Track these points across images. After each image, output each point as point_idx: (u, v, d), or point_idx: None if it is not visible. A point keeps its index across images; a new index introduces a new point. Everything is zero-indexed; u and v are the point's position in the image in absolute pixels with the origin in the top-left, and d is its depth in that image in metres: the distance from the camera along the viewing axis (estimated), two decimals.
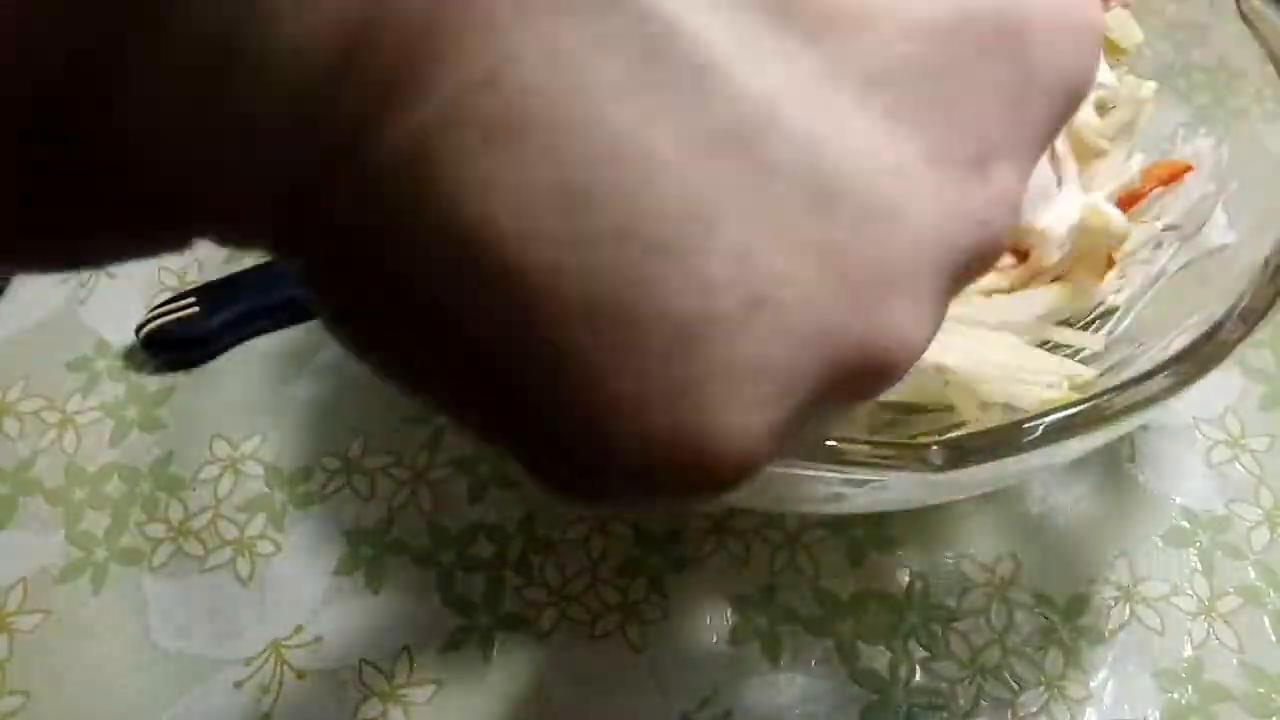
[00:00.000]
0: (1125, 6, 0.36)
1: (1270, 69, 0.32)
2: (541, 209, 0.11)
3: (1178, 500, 0.40)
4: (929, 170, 0.13)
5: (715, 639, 0.37)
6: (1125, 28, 0.35)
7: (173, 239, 0.13)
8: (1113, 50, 0.35)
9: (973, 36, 0.13)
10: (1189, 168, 0.34)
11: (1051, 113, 0.14)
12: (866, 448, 0.24)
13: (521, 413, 0.12)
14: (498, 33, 0.11)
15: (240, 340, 0.44)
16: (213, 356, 0.43)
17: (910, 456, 0.24)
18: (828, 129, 0.12)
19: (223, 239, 0.13)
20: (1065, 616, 0.37)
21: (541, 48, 0.11)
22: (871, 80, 0.12)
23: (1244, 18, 0.32)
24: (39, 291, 0.46)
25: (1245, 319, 0.26)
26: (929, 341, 0.14)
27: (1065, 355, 0.34)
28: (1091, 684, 0.36)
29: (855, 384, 0.13)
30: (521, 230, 0.11)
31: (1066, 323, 0.34)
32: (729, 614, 0.37)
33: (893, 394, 0.32)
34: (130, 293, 0.45)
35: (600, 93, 0.11)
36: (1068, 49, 0.14)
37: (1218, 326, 0.26)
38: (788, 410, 0.13)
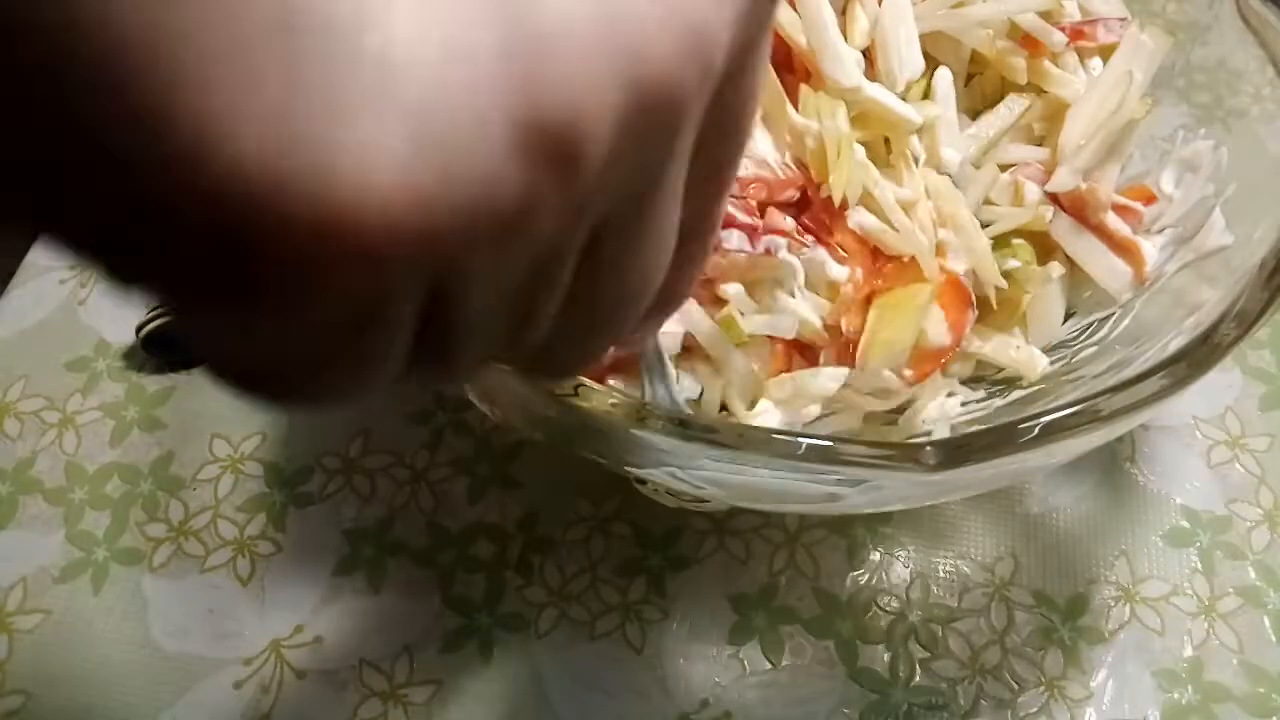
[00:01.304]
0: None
1: (1270, 70, 0.32)
2: None
3: (1178, 500, 0.40)
4: None
5: (715, 639, 0.37)
6: None
7: None
8: None
9: None
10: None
11: None
12: (862, 448, 0.24)
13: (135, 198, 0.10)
14: None
15: None
16: None
17: (905, 457, 0.24)
18: None
19: None
20: (1065, 616, 0.37)
21: None
22: None
23: (1244, 19, 0.32)
24: (39, 291, 0.46)
25: (1241, 321, 0.26)
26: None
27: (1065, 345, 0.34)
28: (1091, 684, 0.36)
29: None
30: None
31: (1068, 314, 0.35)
32: (729, 614, 0.37)
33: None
34: None
35: None
36: None
37: (1213, 328, 0.26)
38: (436, 164, 0.10)
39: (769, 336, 0.31)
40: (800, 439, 0.24)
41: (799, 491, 0.28)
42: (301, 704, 0.36)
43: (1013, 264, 0.33)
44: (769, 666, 0.36)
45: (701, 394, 0.31)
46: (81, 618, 0.38)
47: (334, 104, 0.09)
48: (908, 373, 0.31)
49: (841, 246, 0.31)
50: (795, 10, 0.32)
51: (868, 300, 0.31)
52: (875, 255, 0.32)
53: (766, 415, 0.31)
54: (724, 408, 0.32)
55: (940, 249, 0.32)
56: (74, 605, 0.38)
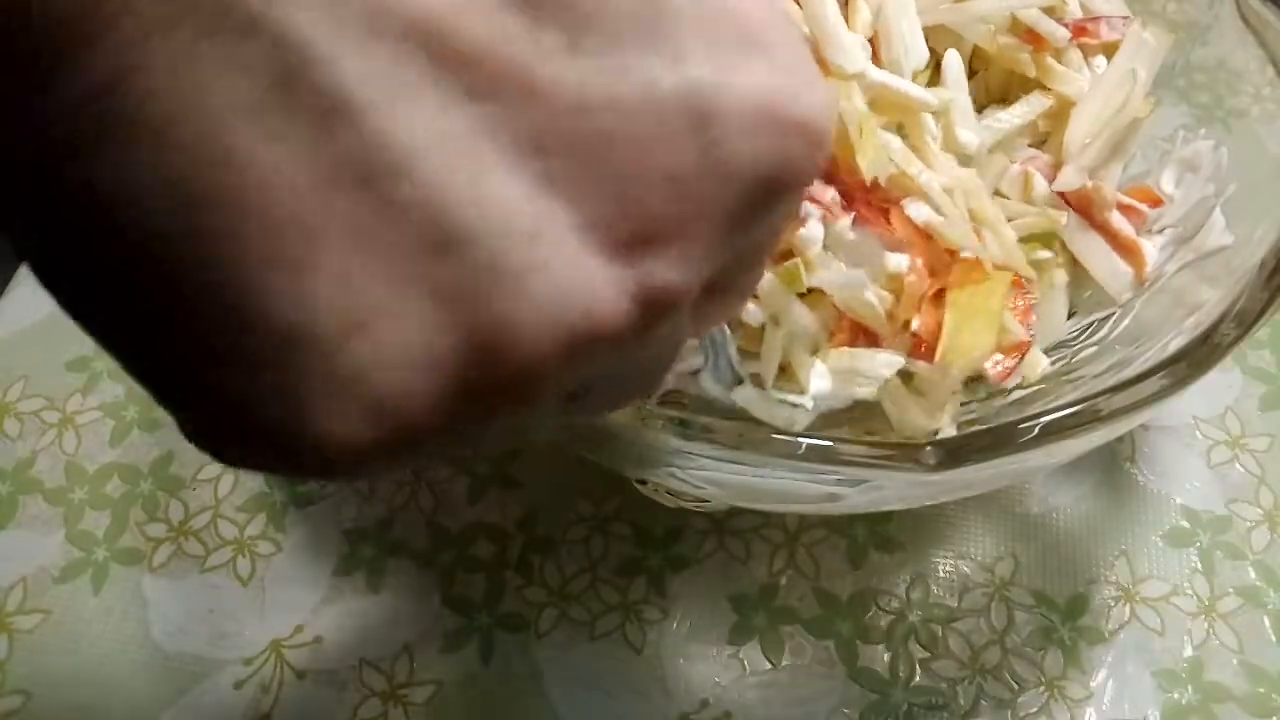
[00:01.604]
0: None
1: (1271, 70, 0.32)
2: (155, 203, 0.12)
3: (1178, 500, 0.40)
4: (572, 242, 0.13)
5: (715, 639, 0.37)
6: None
7: None
8: None
9: (653, 118, 0.13)
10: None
11: (738, 202, 0.14)
12: (862, 448, 0.24)
13: (155, 376, 0.14)
14: (130, 41, 0.11)
15: None
16: None
17: (904, 457, 0.24)
18: (464, 183, 0.12)
19: None
20: (1065, 616, 0.37)
21: (171, 62, 0.11)
22: (531, 147, 0.13)
23: (1244, 19, 0.32)
24: (39, 292, 0.45)
25: (1241, 321, 0.26)
26: (556, 368, 0.14)
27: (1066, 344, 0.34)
28: (1091, 684, 0.36)
29: (476, 394, 0.13)
30: (139, 221, 0.12)
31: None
32: (729, 614, 0.37)
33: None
34: None
35: (222, 109, 0.12)
36: (761, 139, 0.14)
37: (1213, 328, 0.26)
38: (388, 428, 0.13)
39: (834, 306, 0.31)
40: (800, 439, 0.24)
41: (799, 492, 0.28)
42: (301, 704, 0.36)
43: (1043, 254, 0.33)
44: (769, 666, 0.36)
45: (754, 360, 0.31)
46: (81, 618, 0.38)
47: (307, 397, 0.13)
48: (994, 370, 0.31)
49: (899, 238, 0.31)
50: (797, 3, 0.32)
51: (937, 296, 0.31)
52: (930, 245, 0.31)
53: (819, 380, 0.30)
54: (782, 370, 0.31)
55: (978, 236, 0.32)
56: (74, 605, 0.38)
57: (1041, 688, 0.36)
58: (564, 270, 0.13)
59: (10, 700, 0.36)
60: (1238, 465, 0.41)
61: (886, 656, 0.36)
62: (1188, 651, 0.37)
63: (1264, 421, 0.42)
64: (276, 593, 0.38)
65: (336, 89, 0.12)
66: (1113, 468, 0.40)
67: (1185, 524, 0.39)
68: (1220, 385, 0.43)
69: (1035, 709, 0.35)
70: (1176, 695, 0.36)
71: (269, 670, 0.36)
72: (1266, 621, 0.37)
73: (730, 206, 0.14)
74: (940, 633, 0.37)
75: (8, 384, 0.43)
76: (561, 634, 0.37)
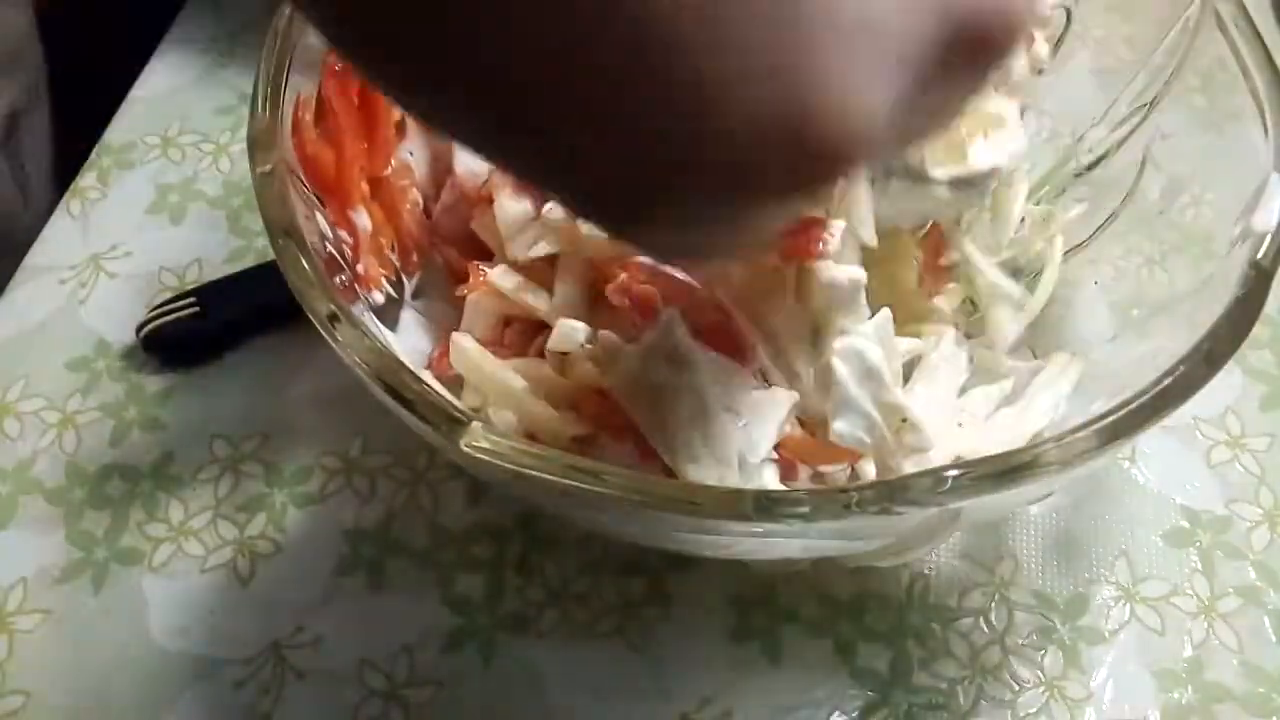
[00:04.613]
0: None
1: (1266, 75, 0.31)
2: None
3: (1178, 500, 0.40)
4: None
5: (715, 639, 0.37)
6: None
7: None
8: None
9: None
10: None
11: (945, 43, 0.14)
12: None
13: (611, 107, 0.12)
14: None
15: (240, 340, 0.44)
16: (213, 356, 0.43)
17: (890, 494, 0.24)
18: None
19: None
20: (1065, 616, 0.37)
21: None
22: None
23: (1220, 26, 0.32)
24: (39, 291, 0.46)
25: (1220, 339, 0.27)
26: (1028, 24, 0.14)
27: None
28: (1091, 684, 0.36)
29: (971, 54, 0.13)
30: None
31: None
32: (729, 614, 0.37)
33: None
34: (130, 293, 0.45)
35: None
36: None
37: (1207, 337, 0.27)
38: (905, 81, 0.12)
39: None
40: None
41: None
42: (301, 704, 0.36)
43: None
44: (769, 666, 0.36)
45: None
46: (81, 618, 0.38)
47: (829, 64, 0.12)
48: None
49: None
50: None
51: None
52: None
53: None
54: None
55: None
56: (74, 605, 0.38)
57: (1041, 688, 0.36)
58: None
59: (10, 700, 0.36)
60: (1238, 465, 0.41)
61: (886, 656, 0.36)
62: (1188, 651, 0.37)
63: (1264, 421, 0.42)
64: (276, 593, 0.38)
65: None
66: (1113, 468, 0.40)
67: (1185, 524, 0.39)
68: (1220, 385, 0.42)
69: (1035, 709, 0.35)
70: (1176, 695, 0.36)
71: (269, 670, 0.36)
72: (1266, 621, 0.37)
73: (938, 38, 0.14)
74: (940, 633, 0.37)
75: (8, 384, 0.43)
76: (562, 634, 0.37)
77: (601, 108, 0.12)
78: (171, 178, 0.49)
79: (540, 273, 0.35)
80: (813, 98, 0.12)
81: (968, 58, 0.13)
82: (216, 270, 0.46)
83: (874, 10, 0.12)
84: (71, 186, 0.49)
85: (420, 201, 0.38)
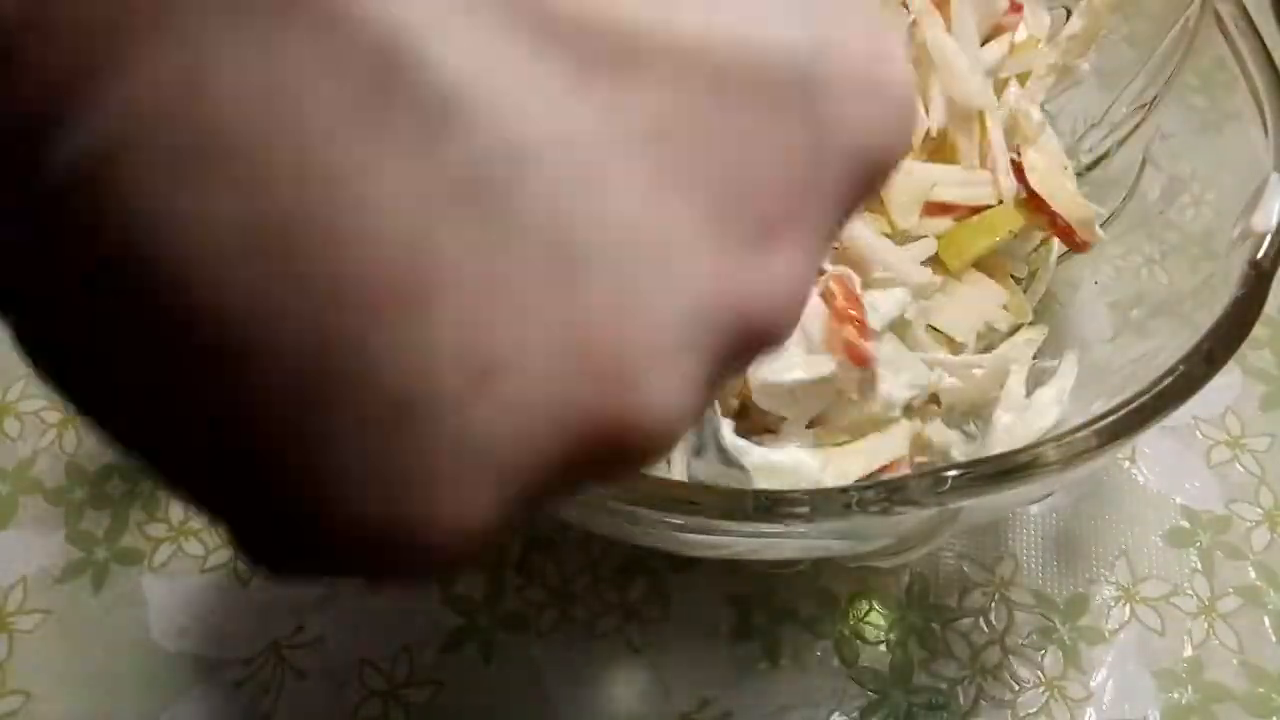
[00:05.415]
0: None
1: (1266, 75, 0.31)
2: (234, 250, 0.09)
3: (1178, 500, 0.40)
4: (699, 244, 0.11)
5: (715, 639, 0.37)
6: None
7: None
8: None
9: (763, 88, 0.11)
10: None
11: (850, 184, 0.12)
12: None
13: (222, 484, 0.11)
14: (195, 40, 0.09)
15: None
16: None
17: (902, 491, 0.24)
18: (588, 189, 0.10)
19: None
20: (1065, 616, 0.37)
21: (247, 62, 0.09)
22: (646, 135, 0.11)
23: (1220, 26, 0.32)
24: None
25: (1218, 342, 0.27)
26: (682, 423, 0.12)
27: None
28: (1091, 684, 0.36)
29: (601, 461, 0.12)
30: (210, 274, 0.09)
31: None
32: (729, 614, 0.37)
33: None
34: None
35: (315, 120, 0.09)
36: (871, 110, 0.12)
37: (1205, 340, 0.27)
38: (517, 489, 0.11)
39: None
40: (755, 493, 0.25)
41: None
42: (301, 704, 0.36)
43: None
44: (769, 666, 0.36)
45: None
46: (81, 618, 0.38)
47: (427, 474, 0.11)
48: None
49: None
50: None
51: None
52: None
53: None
54: None
55: None
56: (74, 605, 0.38)
57: (1041, 688, 0.36)
58: (697, 279, 0.11)
59: (10, 700, 0.36)
60: (1238, 465, 0.41)
61: (886, 656, 0.36)
62: (1188, 651, 0.37)
63: (1264, 421, 0.42)
64: (276, 593, 0.38)
65: (449, 89, 0.10)
66: (1113, 468, 0.40)
67: (1185, 524, 0.39)
68: (1220, 385, 0.42)
69: (1035, 709, 0.35)
70: (1176, 695, 0.36)
71: (269, 670, 0.36)
72: (1266, 621, 0.37)
73: (845, 185, 0.12)
74: (940, 633, 0.37)
75: (8, 384, 0.43)
76: (562, 634, 0.37)
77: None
78: None
79: None
80: (426, 510, 0.11)
81: (592, 467, 0.12)
82: None
83: (492, 429, 0.11)
84: None
85: None
